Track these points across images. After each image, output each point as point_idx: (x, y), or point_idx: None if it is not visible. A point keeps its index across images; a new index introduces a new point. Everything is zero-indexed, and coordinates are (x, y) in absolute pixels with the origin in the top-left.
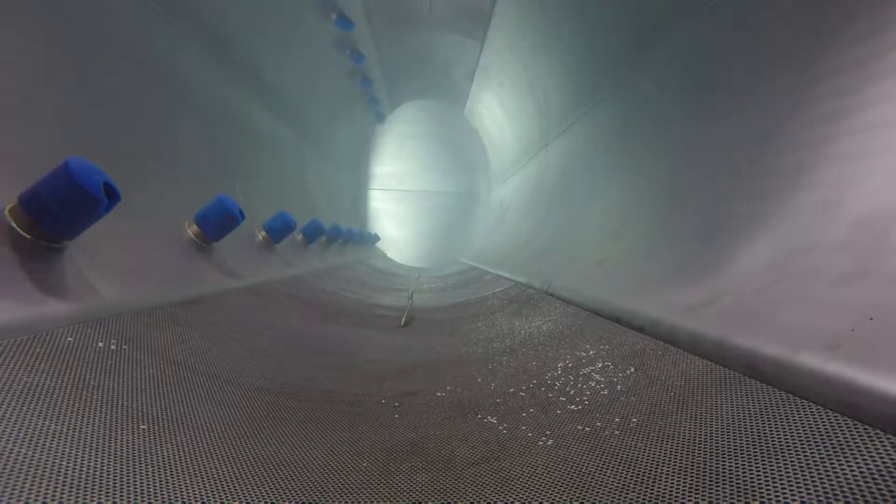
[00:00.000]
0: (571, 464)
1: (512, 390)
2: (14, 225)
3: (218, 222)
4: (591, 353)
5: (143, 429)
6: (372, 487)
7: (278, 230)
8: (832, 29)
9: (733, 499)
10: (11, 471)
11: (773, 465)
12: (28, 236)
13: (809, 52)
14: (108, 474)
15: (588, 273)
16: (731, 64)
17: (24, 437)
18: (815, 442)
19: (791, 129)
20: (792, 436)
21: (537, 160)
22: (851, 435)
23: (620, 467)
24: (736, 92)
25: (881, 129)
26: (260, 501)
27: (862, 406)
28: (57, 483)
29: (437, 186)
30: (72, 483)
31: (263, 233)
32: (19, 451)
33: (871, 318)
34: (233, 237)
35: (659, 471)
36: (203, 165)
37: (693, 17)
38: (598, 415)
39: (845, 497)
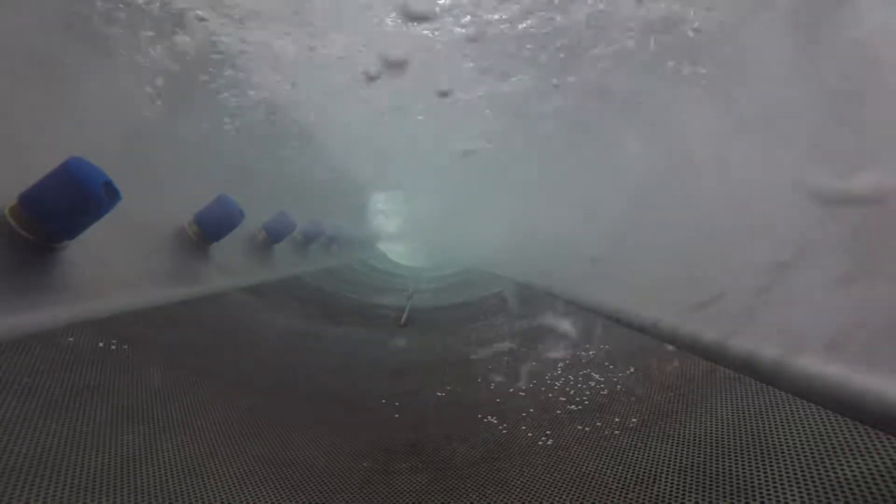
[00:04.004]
0: (571, 464)
1: (512, 390)
2: (14, 225)
3: (218, 222)
4: (591, 353)
5: (143, 429)
6: (372, 487)
7: (278, 230)
8: None
9: (733, 499)
10: (12, 470)
11: (772, 465)
12: (28, 236)
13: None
14: (108, 474)
15: (588, 273)
16: None
17: (24, 437)
18: (815, 442)
19: (791, 129)
20: (791, 436)
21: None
22: (851, 435)
23: (620, 467)
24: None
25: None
26: (260, 501)
27: (862, 406)
28: (57, 482)
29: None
30: (72, 483)
31: (263, 233)
32: (19, 451)
33: (870, 319)
34: (233, 237)
35: (659, 471)
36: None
37: None
38: (598, 415)
39: (845, 497)
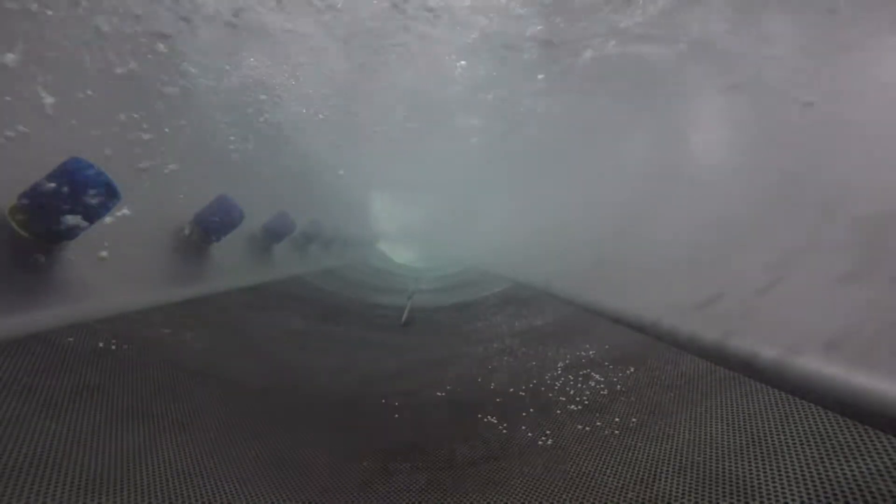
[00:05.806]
0: (571, 464)
1: (512, 390)
2: (14, 225)
3: (218, 222)
4: (591, 353)
5: (143, 429)
6: (372, 487)
7: (278, 230)
8: None
9: (733, 499)
10: (12, 470)
11: (772, 465)
12: (28, 236)
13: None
14: (108, 474)
15: (588, 273)
16: None
17: (24, 437)
18: (815, 442)
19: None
20: (792, 436)
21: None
22: (851, 435)
23: (620, 467)
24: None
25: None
26: (260, 500)
27: (862, 406)
28: (57, 482)
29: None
30: (72, 483)
31: (263, 233)
32: (19, 451)
33: (870, 318)
34: (233, 237)
35: (659, 471)
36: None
37: None
38: (598, 415)
39: (845, 497)
